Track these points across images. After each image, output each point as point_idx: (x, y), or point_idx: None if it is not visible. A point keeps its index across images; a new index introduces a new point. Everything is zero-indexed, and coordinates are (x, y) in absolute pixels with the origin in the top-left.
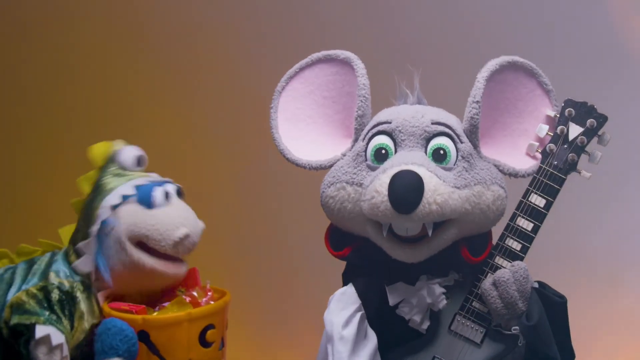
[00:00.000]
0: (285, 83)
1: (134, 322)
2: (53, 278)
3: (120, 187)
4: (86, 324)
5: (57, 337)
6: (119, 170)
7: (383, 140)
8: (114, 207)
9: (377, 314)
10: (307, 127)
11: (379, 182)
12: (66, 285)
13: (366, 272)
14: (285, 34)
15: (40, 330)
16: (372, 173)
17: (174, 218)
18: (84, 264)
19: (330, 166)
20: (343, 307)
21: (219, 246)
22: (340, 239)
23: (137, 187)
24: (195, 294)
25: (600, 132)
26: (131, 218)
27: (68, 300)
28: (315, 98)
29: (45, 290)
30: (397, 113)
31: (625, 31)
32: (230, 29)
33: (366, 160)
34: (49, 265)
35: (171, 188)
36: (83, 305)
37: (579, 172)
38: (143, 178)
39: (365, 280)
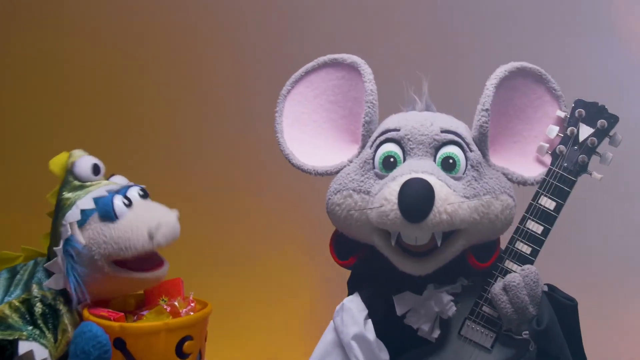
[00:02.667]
0: (291, 87)
1: (111, 329)
2: (36, 290)
3: (79, 202)
4: (70, 336)
5: (41, 352)
6: (77, 182)
7: (391, 148)
8: (80, 224)
9: (384, 323)
10: (313, 131)
11: (389, 190)
12: (49, 297)
13: (372, 281)
14: (291, 37)
15: (24, 347)
16: (380, 181)
17: (140, 221)
18: (54, 283)
19: (337, 172)
20: (355, 315)
21: (204, 256)
22: (345, 247)
23: (96, 200)
24: (176, 304)
25: (611, 133)
26: (99, 237)
27: (51, 313)
28: (321, 102)
29: (28, 303)
30: (406, 120)
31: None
32: (236, 31)
33: (374, 168)
34: (31, 275)
35: (132, 192)
36: (66, 318)
37: (590, 174)
38: (102, 188)
39: (371, 289)
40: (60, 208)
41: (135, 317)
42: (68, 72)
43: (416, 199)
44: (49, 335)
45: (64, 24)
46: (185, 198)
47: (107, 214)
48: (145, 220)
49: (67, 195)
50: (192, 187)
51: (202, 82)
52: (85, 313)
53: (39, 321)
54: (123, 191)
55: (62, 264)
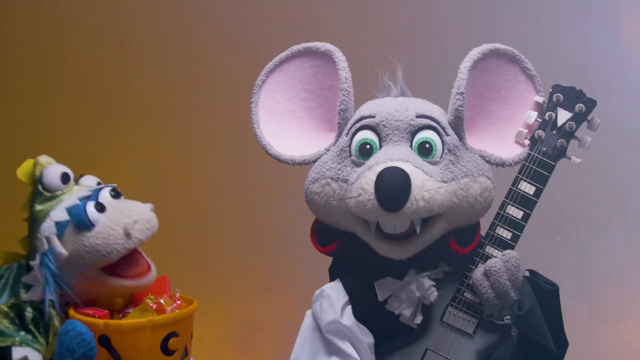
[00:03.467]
0: (265, 77)
1: (96, 326)
2: (24, 295)
3: (52, 212)
4: None
5: (35, 357)
6: (48, 194)
7: (367, 135)
8: (59, 237)
9: (365, 309)
10: (289, 121)
11: (365, 180)
12: (37, 301)
13: (353, 267)
14: (262, 26)
15: (17, 352)
16: (357, 169)
17: (115, 223)
18: (33, 294)
19: (314, 161)
20: (333, 302)
21: (189, 254)
22: (326, 234)
23: (69, 210)
24: (162, 301)
25: (589, 117)
26: (81, 248)
27: (41, 317)
28: (296, 91)
29: (17, 308)
30: (381, 106)
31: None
32: (208, 21)
33: (350, 155)
34: (17, 279)
35: (104, 195)
36: (56, 320)
37: (569, 158)
38: (73, 195)
39: (352, 275)
40: (34, 220)
41: (120, 315)
42: (59, 73)
43: (392, 188)
44: (42, 340)
45: (61, 25)
46: (171, 195)
47: (82, 223)
48: (120, 220)
49: (39, 207)
50: (177, 183)
51: (186, 78)
52: (71, 312)
53: (30, 326)
54: (94, 196)
55: (40, 276)
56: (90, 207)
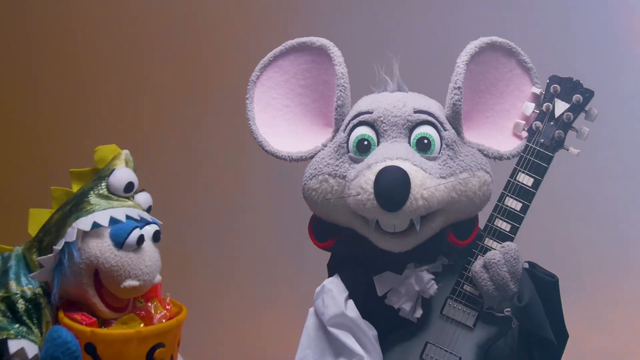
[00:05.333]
0: (260, 72)
1: (82, 334)
2: (14, 287)
3: (97, 213)
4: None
5: (31, 348)
6: (106, 192)
7: (365, 131)
8: (84, 232)
9: (365, 304)
10: (284, 116)
11: (364, 179)
12: (28, 293)
13: (352, 262)
14: (257, 21)
15: (14, 345)
16: (356, 166)
17: (134, 267)
18: (41, 276)
19: (311, 157)
20: (335, 296)
21: (184, 252)
22: (324, 229)
23: (114, 222)
24: (151, 308)
25: (587, 108)
26: (97, 250)
27: (34, 308)
28: (291, 87)
29: (8, 300)
30: (378, 102)
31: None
32: (203, 17)
33: (348, 151)
34: (4, 272)
35: (148, 231)
36: (47, 310)
37: (567, 149)
38: (122, 210)
39: (351, 270)
40: (76, 208)
41: (112, 322)
42: (60, 70)
43: (392, 188)
44: (36, 331)
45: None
46: (166, 192)
47: (118, 241)
48: (133, 275)
49: (90, 198)
50: (172, 181)
51: (180, 75)
52: (60, 314)
53: (24, 318)
54: (143, 225)
55: (54, 260)
56: (135, 235)
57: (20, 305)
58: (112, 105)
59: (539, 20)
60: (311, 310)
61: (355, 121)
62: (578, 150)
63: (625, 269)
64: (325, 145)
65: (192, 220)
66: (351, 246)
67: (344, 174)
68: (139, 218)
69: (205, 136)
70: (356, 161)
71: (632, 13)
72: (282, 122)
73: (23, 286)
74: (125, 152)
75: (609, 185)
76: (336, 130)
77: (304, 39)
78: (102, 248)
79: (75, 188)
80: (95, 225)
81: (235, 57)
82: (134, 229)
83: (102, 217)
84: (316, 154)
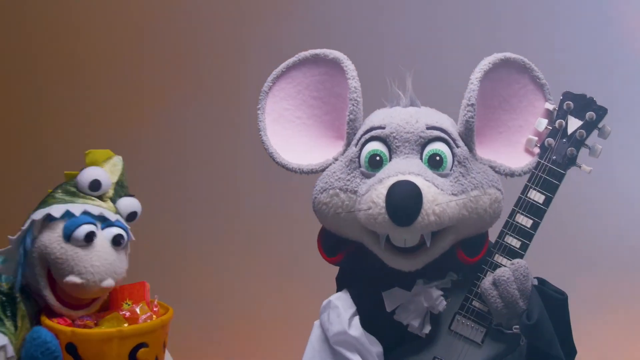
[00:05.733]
0: (272, 83)
1: (63, 334)
2: None
3: (53, 206)
4: (29, 324)
5: (0, 339)
6: (73, 188)
7: (377, 146)
8: (40, 222)
9: (373, 319)
10: (296, 128)
11: (376, 193)
12: (4, 286)
13: (361, 277)
14: (271, 32)
15: None
16: (367, 181)
17: (78, 263)
18: (5, 269)
19: (322, 170)
20: (341, 313)
21: (166, 258)
22: (333, 243)
23: (69, 216)
24: (137, 309)
25: (600, 125)
26: (46, 240)
27: (8, 300)
28: (304, 98)
29: None
30: (391, 117)
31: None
32: (216, 26)
33: (360, 166)
34: None
35: (108, 232)
36: (23, 304)
37: (579, 167)
38: (87, 206)
39: (360, 286)
40: (43, 201)
41: (91, 320)
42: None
43: (404, 202)
44: (9, 323)
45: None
46: (174, 200)
47: (66, 233)
48: (76, 270)
49: (56, 193)
50: (180, 189)
51: (191, 83)
52: (42, 317)
53: None
54: (101, 223)
55: (16, 252)
56: (84, 229)
57: None
58: (117, 107)
59: (553, 35)
60: (316, 322)
61: (367, 136)
62: (590, 167)
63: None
64: (336, 159)
65: (197, 232)
66: (360, 261)
67: (355, 188)
68: (97, 215)
69: (213, 146)
70: (367, 176)
71: None
72: (294, 133)
73: (1, 281)
74: (116, 157)
75: (622, 202)
76: (348, 144)
77: (318, 51)
78: (50, 238)
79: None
80: (50, 218)
81: (248, 67)
82: (85, 223)
83: (57, 210)
84: (327, 167)
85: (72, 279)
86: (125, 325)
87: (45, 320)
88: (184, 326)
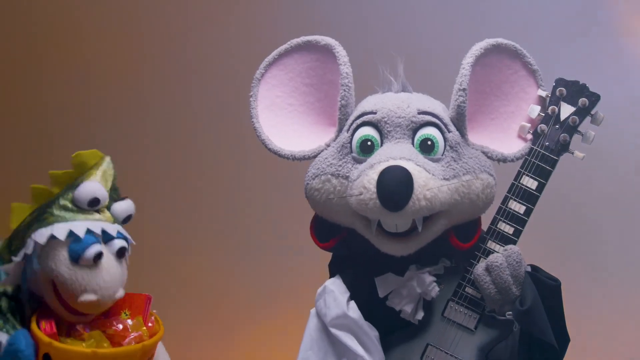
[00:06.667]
0: (264, 70)
1: (42, 343)
2: None
3: (56, 226)
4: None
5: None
6: (70, 204)
7: (368, 131)
8: (42, 244)
9: (366, 305)
10: (288, 115)
11: (367, 178)
12: (9, 290)
13: (353, 263)
14: (262, 20)
15: (3, 338)
16: (359, 166)
17: (89, 282)
18: (7, 281)
19: (314, 157)
20: (337, 297)
21: (182, 250)
22: (325, 229)
23: (72, 236)
24: (130, 324)
25: (593, 112)
26: (52, 262)
27: (17, 306)
28: (296, 85)
29: None
30: (382, 102)
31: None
32: (206, 14)
33: (351, 152)
34: None
35: (113, 246)
36: (27, 308)
37: (572, 153)
38: (88, 223)
39: (353, 271)
40: (39, 218)
41: (86, 329)
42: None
43: (395, 187)
44: (19, 328)
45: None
46: (167, 190)
47: (74, 255)
48: (89, 289)
49: (54, 209)
50: (173, 177)
51: (182, 72)
52: (33, 317)
53: (8, 315)
54: (107, 241)
55: (18, 268)
56: (92, 251)
57: (4, 302)
58: (109, 104)
59: (544, 21)
60: (312, 311)
61: (359, 121)
62: (583, 154)
63: (632, 272)
64: (328, 145)
65: (191, 218)
66: (352, 246)
67: (347, 174)
68: (100, 233)
69: (205, 135)
70: (359, 161)
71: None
72: (286, 120)
73: (4, 284)
74: (106, 160)
75: (615, 187)
76: (340, 130)
77: (309, 38)
78: (57, 261)
79: (55, 189)
80: (53, 238)
81: (238, 54)
82: (92, 245)
83: (60, 230)
84: (319, 153)
85: (88, 297)
86: (105, 345)
87: (33, 324)
88: (183, 326)
